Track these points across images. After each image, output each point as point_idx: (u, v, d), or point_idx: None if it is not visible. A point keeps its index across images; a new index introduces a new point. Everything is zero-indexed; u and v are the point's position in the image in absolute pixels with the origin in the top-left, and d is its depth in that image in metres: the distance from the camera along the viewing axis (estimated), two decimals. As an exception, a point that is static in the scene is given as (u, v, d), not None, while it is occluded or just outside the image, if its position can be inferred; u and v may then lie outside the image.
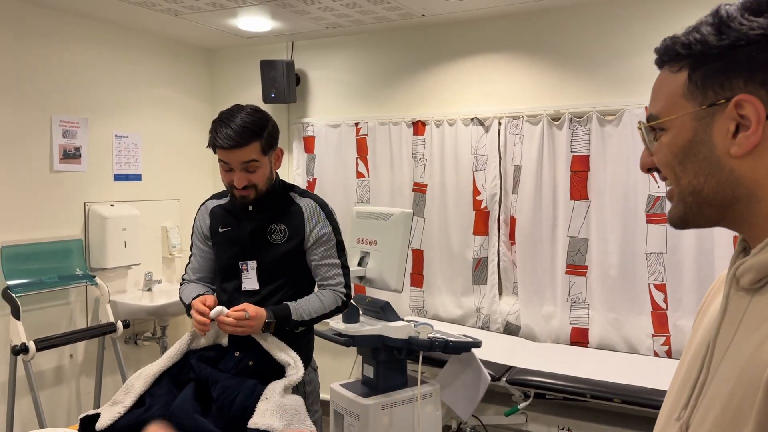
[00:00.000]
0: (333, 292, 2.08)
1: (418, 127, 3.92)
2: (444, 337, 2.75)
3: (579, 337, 3.52)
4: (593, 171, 3.45)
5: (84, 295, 3.72)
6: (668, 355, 3.30)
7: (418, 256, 3.97)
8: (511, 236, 3.71)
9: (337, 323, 2.64)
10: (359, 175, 4.15)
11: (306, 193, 2.15)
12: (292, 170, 4.36)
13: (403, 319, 2.73)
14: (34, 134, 3.46)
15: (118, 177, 3.93)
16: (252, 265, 2.04)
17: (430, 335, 2.67)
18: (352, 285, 2.24)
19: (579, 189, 3.49)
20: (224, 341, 2.01)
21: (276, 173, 2.11)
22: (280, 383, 1.85)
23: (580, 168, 3.48)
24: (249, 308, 1.90)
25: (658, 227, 3.29)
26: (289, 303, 2.00)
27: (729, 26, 0.69)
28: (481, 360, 2.96)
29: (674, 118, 0.74)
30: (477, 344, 2.80)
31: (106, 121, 3.86)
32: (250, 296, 2.03)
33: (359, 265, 2.97)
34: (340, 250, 2.11)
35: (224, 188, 2.17)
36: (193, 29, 4.01)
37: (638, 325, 3.38)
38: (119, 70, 3.94)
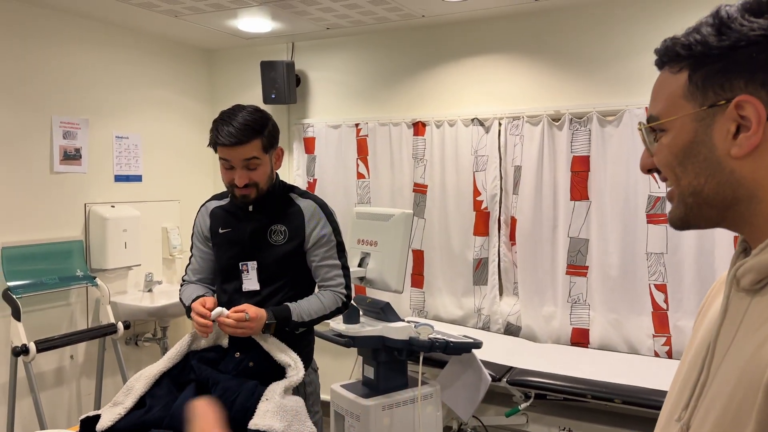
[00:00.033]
0: (333, 293, 2.08)
1: (419, 127, 3.92)
2: (444, 337, 2.75)
3: (579, 338, 3.52)
4: (593, 171, 3.45)
5: (84, 296, 3.72)
6: (669, 355, 3.30)
7: (418, 256, 3.97)
8: (512, 237, 3.71)
9: (337, 324, 2.64)
10: (359, 175, 4.15)
11: (306, 194, 2.15)
12: (292, 171, 4.36)
13: (403, 320, 2.73)
14: (34, 135, 3.47)
15: (119, 178, 3.93)
16: (252, 265, 2.04)
17: (431, 336, 2.67)
18: (353, 286, 2.24)
19: (579, 189, 3.49)
20: (225, 342, 2.01)
21: (276, 174, 2.11)
22: (280, 384, 1.85)
23: (580, 168, 3.48)
24: (249, 309, 1.90)
25: (658, 227, 3.29)
26: (289, 304, 2.00)
27: (729, 27, 0.69)
28: (482, 361, 2.95)
29: (674, 119, 0.74)
30: (477, 345, 2.80)
31: (107, 122, 3.86)
32: (251, 297, 2.03)
33: (360, 265, 2.97)
34: (341, 251, 2.11)
35: (224, 189, 2.17)
36: (193, 30, 4.01)
37: (639, 326, 3.38)
38: (119, 71, 3.94)
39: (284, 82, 4.08)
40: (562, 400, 3.08)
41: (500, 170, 3.71)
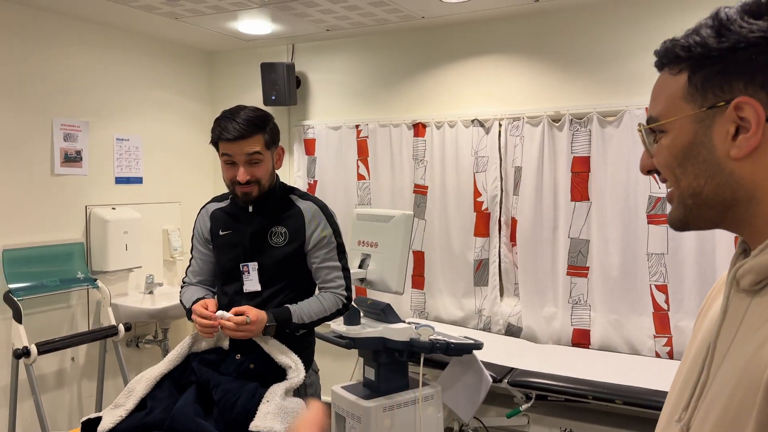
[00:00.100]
0: (334, 295, 2.08)
1: (419, 128, 3.93)
2: (445, 339, 2.75)
3: (580, 339, 3.52)
4: (594, 172, 3.45)
5: (85, 298, 3.73)
6: (670, 356, 3.30)
7: (419, 257, 3.97)
8: (512, 237, 3.71)
9: (338, 325, 2.63)
10: (360, 177, 4.15)
11: (306, 196, 2.15)
12: (293, 172, 4.36)
13: (404, 321, 2.73)
14: (35, 138, 3.47)
15: (119, 180, 3.94)
16: (253, 266, 2.04)
17: (432, 337, 2.67)
18: (353, 287, 2.24)
19: (580, 190, 3.49)
20: (225, 344, 2.01)
21: (277, 175, 2.12)
22: (281, 386, 1.85)
23: (580, 169, 3.48)
24: (250, 312, 1.89)
25: (659, 228, 3.29)
26: (289, 306, 2.00)
27: (729, 29, 0.69)
28: (483, 362, 2.95)
29: (674, 120, 0.74)
30: (478, 346, 2.80)
31: (107, 124, 3.87)
32: (252, 299, 2.03)
33: (360, 267, 2.97)
34: (341, 252, 2.11)
35: (225, 192, 2.17)
36: (193, 32, 4.02)
37: (640, 326, 3.38)
38: (120, 73, 3.95)
39: (284, 83, 4.08)
40: (563, 401, 3.08)
41: (500, 171, 3.72)
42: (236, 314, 1.89)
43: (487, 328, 3.77)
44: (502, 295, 3.79)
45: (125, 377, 3.58)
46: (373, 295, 3.42)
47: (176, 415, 1.77)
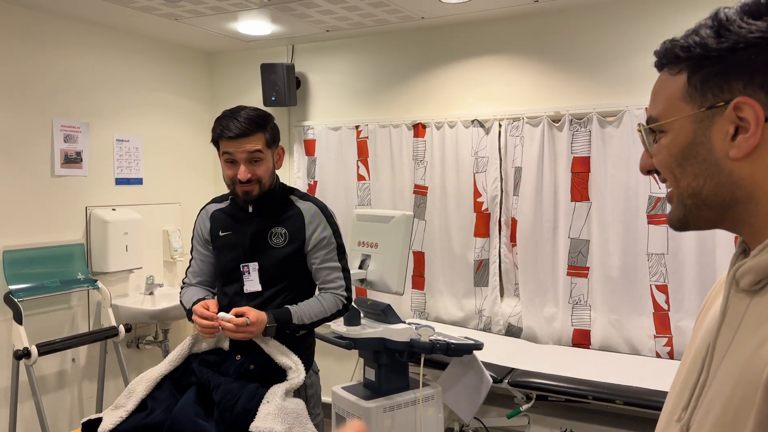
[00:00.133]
0: (334, 296, 2.08)
1: (419, 129, 3.93)
2: (445, 339, 2.75)
3: (581, 339, 3.52)
4: (594, 172, 3.46)
5: (86, 299, 3.73)
6: (670, 356, 3.30)
7: (419, 258, 3.97)
8: (512, 238, 3.71)
9: (338, 326, 2.64)
10: (360, 177, 4.15)
11: (306, 197, 2.15)
12: (293, 173, 4.36)
13: (404, 322, 2.73)
14: (35, 139, 3.47)
15: (120, 181, 3.94)
16: (254, 266, 2.05)
17: (432, 337, 2.67)
18: (353, 288, 2.24)
19: (580, 190, 3.49)
20: (225, 345, 2.01)
21: (277, 176, 2.12)
22: (281, 387, 1.86)
23: (580, 169, 3.48)
24: (250, 313, 1.89)
25: (659, 228, 3.29)
26: (289, 307, 2.00)
27: (728, 29, 0.70)
28: (483, 362, 2.96)
29: (673, 120, 0.75)
30: (479, 346, 2.80)
31: (107, 125, 3.87)
32: (252, 299, 2.03)
33: (360, 267, 2.98)
34: (341, 253, 2.11)
35: (225, 192, 2.17)
36: (193, 33, 4.02)
37: (640, 327, 3.37)
38: (120, 74, 3.95)
39: (284, 84, 4.09)
40: (563, 402, 3.08)
41: (500, 171, 3.72)
42: (236, 315, 1.90)
43: (487, 329, 3.77)
44: (502, 295, 3.79)
45: (126, 378, 3.58)
46: (373, 295, 3.42)
47: (177, 415, 1.78)
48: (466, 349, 2.79)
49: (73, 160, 3.65)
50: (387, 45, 4.06)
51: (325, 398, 2.37)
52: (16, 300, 3.21)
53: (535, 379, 3.04)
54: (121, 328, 3.52)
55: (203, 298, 2.03)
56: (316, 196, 3.90)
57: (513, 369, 3.15)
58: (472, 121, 3.75)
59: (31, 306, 3.37)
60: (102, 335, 3.52)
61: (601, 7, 3.43)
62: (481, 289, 3.79)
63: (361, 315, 2.74)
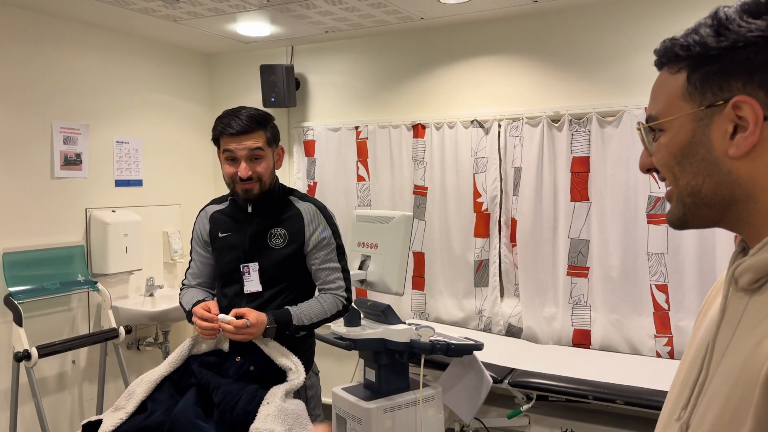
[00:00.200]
0: (334, 296, 2.08)
1: (418, 130, 3.93)
2: (446, 339, 2.74)
3: (581, 339, 3.52)
4: (593, 172, 3.46)
5: (86, 301, 3.73)
6: (671, 355, 3.29)
7: (419, 258, 3.97)
8: (512, 238, 3.71)
9: (338, 327, 2.63)
10: (360, 178, 4.15)
11: (305, 197, 2.16)
12: (292, 174, 4.36)
13: (404, 322, 2.73)
14: (35, 141, 3.47)
15: (119, 183, 3.94)
16: (254, 267, 2.05)
17: (432, 338, 2.67)
18: (353, 289, 2.24)
19: (579, 190, 3.49)
20: (225, 347, 2.01)
21: (276, 177, 2.12)
22: (281, 388, 1.86)
23: (580, 169, 3.48)
24: (250, 315, 1.89)
25: (659, 228, 3.29)
26: (289, 308, 2.00)
27: (728, 28, 0.70)
28: (483, 362, 2.95)
29: (673, 119, 0.75)
30: (479, 347, 2.80)
31: (107, 127, 3.87)
32: (252, 300, 2.03)
33: (360, 268, 2.97)
34: (341, 253, 2.12)
35: (224, 194, 2.17)
36: (192, 35, 4.02)
37: (640, 326, 3.37)
38: (119, 76, 3.95)
39: (284, 85, 4.09)
40: (564, 402, 3.08)
41: (500, 172, 3.72)
42: (236, 316, 1.90)
43: (487, 329, 3.77)
44: (502, 295, 3.79)
45: (126, 380, 3.58)
46: (373, 296, 3.42)
47: (176, 417, 1.77)
48: (467, 350, 2.79)
49: (72, 161, 3.65)
50: (386, 46, 4.06)
51: (326, 399, 2.37)
52: (16, 302, 3.20)
53: (536, 379, 3.04)
54: (122, 330, 3.52)
55: (203, 300, 2.03)
56: (316, 197, 3.91)
57: (513, 369, 3.15)
58: (472, 122, 3.75)
59: (31, 308, 3.37)
60: (102, 337, 3.52)
61: (601, 7, 3.43)
62: (481, 289, 3.79)
63: (361, 316, 2.74)
